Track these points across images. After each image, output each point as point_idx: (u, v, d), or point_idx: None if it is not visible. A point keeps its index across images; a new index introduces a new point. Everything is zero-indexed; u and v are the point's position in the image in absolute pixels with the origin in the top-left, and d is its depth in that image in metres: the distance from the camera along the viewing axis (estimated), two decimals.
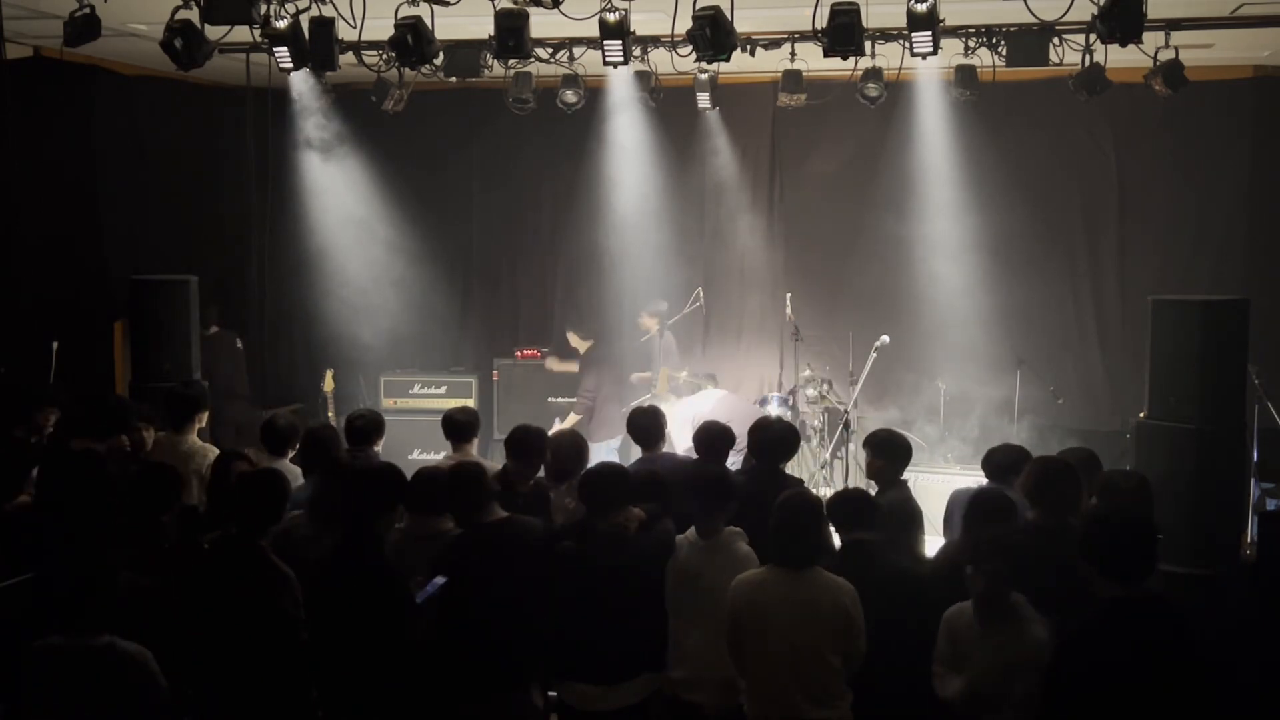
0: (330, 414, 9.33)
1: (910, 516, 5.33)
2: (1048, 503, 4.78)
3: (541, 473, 5.52)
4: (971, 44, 7.76)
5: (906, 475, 5.61)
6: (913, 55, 6.70)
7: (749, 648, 4.38)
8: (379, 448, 6.11)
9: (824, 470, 8.66)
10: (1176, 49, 7.66)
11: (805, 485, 5.69)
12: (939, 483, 7.84)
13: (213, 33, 6.39)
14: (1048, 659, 3.94)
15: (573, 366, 9.30)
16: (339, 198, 10.35)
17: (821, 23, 6.29)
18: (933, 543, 6.40)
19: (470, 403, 9.82)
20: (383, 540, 4.46)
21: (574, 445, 5.63)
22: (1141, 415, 7.06)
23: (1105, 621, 3.77)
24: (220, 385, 8.68)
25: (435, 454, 9.17)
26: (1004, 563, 4.12)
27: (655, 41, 8.03)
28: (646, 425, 5.90)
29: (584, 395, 8.81)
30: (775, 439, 5.59)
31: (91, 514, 4.84)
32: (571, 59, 8.37)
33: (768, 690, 4.35)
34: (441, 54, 7.64)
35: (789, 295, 9.46)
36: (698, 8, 6.06)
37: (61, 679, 3.78)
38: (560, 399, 10.00)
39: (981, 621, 4.16)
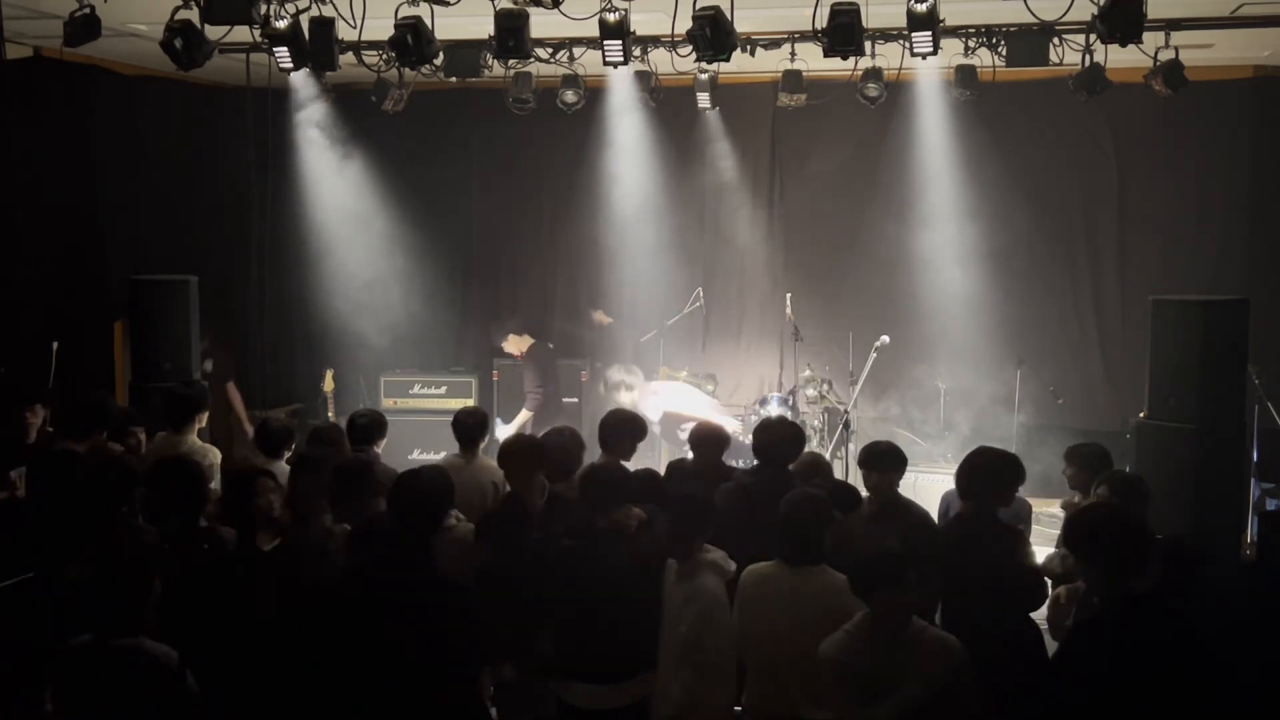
0: (330, 414, 9.32)
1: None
2: (975, 495, 4.87)
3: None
4: (971, 44, 7.76)
5: (908, 474, 5.61)
6: (913, 55, 6.69)
7: (750, 640, 4.40)
8: (380, 448, 6.13)
9: None
10: (1176, 49, 7.66)
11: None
12: (939, 483, 7.84)
13: (213, 33, 6.39)
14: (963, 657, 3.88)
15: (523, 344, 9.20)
16: (339, 198, 10.35)
17: (821, 23, 6.28)
18: None
19: (471, 403, 9.83)
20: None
21: (572, 443, 5.62)
22: (1141, 415, 7.06)
23: (1105, 621, 3.76)
24: None
25: (435, 454, 9.17)
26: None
27: (655, 41, 8.03)
28: (613, 425, 5.81)
29: (533, 392, 8.76)
30: (778, 440, 5.57)
31: (60, 514, 4.90)
32: (571, 59, 8.36)
33: (767, 685, 4.37)
34: (441, 54, 7.63)
35: (789, 295, 9.45)
36: (698, 8, 6.05)
37: (90, 679, 3.77)
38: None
39: (888, 641, 3.87)
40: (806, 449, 5.78)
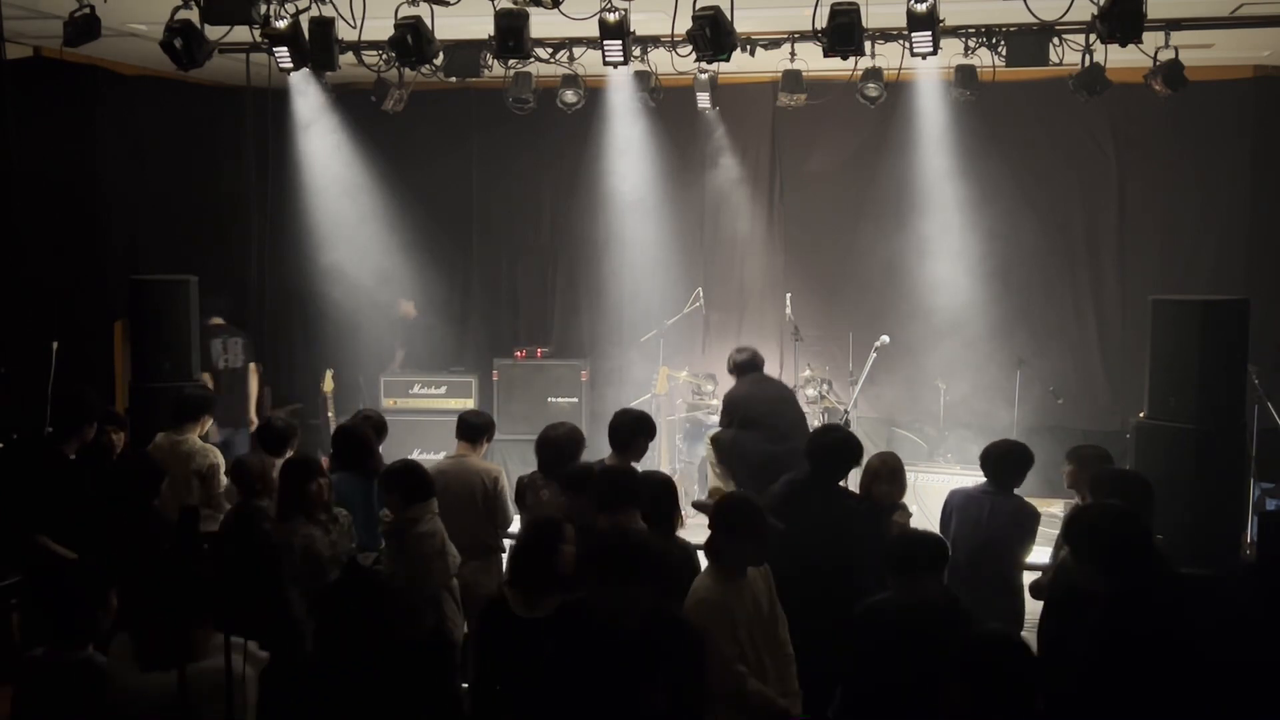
0: (330, 414, 9.32)
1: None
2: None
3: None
4: (971, 44, 7.76)
5: (909, 475, 5.59)
6: (913, 55, 6.69)
7: None
8: (380, 448, 6.15)
9: None
10: (1176, 49, 7.66)
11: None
12: (939, 482, 7.86)
13: (213, 33, 6.40)
14: None
15: None
16: (338, 198, 10.34)
17: (821, 23, 6.28)
18: None
19: (471, 403, 9.85)
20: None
21: (567, 439, 5.63)
22: (1141, 415, 7.07)
23: (1109, 617, 3.77)
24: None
25: (435, 454, 9.17)
26: None
27: (655, 41, 8.03)
28: (626, 426, 5.79)
29: None
30: (831, 447, 5.22)
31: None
32: (571, 59, 8.36)
33: None
34: (441, 54, 7.63)
35: (789, 295, 9.46)
36: (698, 8, 6.05)
37: (43, 692, 3.76)
38: (560, 399, 10.02)
39: None
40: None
